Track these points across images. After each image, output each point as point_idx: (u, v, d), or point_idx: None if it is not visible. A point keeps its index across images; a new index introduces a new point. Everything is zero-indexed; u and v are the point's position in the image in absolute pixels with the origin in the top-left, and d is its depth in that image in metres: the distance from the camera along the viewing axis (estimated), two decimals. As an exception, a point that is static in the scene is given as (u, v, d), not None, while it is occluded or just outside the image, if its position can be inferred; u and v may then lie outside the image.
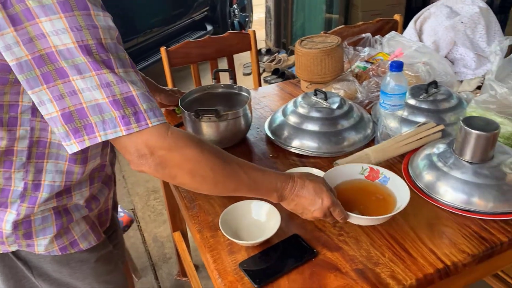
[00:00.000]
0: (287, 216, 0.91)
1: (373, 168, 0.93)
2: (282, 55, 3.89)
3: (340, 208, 0.80)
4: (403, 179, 0.97)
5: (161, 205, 2.23)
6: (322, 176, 0.86)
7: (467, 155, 0.91)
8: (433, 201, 0.91)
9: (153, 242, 2.00)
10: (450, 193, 0.89)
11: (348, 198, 0.89)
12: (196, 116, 1.08)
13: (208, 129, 1.12)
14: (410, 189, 0.91)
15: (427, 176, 0.94)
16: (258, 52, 4.18)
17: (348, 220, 0.82)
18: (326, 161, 1.10)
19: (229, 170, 0.75)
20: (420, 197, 0.93)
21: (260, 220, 0.90)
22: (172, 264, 1.86)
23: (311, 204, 0.79)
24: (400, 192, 0.87)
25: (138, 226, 2.10)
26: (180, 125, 1.28)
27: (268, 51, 4.16)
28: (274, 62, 3.81)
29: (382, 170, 0.92)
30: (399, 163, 1.06)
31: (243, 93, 1.24)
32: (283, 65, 3.77)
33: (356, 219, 0.82)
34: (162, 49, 1.59)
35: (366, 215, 0.84)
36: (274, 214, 0.88)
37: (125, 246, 1.43)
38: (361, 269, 0.78)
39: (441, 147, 0.98)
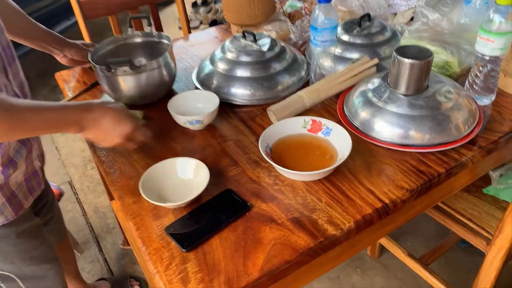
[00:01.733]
0: (219, 171, 0.84)
1: (315, 120, 0.86)
2: (219, 5, 3.69)
3: (142, 130, 0.85)
4: (340, 121, 0.92)
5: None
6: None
7: (402, 87, 0.86)
8: (370, 139, 0.86)
9: (94, 214, 1.88)
10: (386, 129, 0.85)
11: (291, 154, 0.83)
12: (108, 70, 0.95)
13: (125, 84, 1.00)
14: (347, 130, 0.86)
15: (363, 114, 0.89)
16: (194, 4, 3.95)
17: (287, 176, 0.76)
18: (260, 109, 1.02)
19: (14, 118, 0.70)
20: (357, 136, 0.88)
21: (187, 178, 0.82)
22: (116, 234, 1.76)
23: (112, 131, 0.80)
24: (342, 143, 0.81)
25: (76, 198, 1.97)
26: (96, 84, 1.15)
27: (205, 3, 3.93)
28: (211, 13, 3.61)
29: (324, 121, 0.85)
30: (334, 103, 1.00)
31: (164, 40, 1.11)
32: (221, 15, 3.58)
33: (294, 175, 0.76)
34: (72, 0, 1.40)
35: (308, 169, 0.78)
36: (202, 170, 0.80)
37: (63, 219, 1.32)
38: (297, 218, 0.72)
39: (375, 81, 0.93)
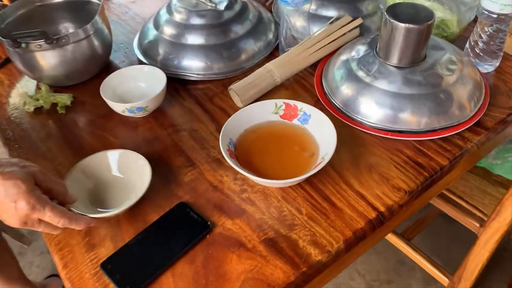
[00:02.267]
0: (170, 176, 0.66)
1: (290, 104, 0.68)
2: None
3: (53, 209, 0.51)
4: (318, 100, 0.75)
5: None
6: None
7: (394, 58, 0.69)
8: (356, 125, 0.70)
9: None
10: (376, 111, 0.68)
11: (261, 150, 0.65)
12: (16, 45, 0.72)
13: (44, 61, 0.77)
14: (328, 112, 0.69)
15: (346, 91, 0.72)
16: None
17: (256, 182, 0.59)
18: (219, 85, 0.83)
19: None
20: (339, 120, 0.71)
21: (124, 177, 0.65)
22: (68, 219, 1.58)
23: (3, 211, 0.51)
24: (324, 134, 0.64)
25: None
26: (8, 61, 0.91)
27: None
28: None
29: (300, 105, 0.67)
30: (310, 76, 0.82)
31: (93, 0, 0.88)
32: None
33: (267, 183, 0.60)
34: None
35: (283, 171, 0.62)
36: (142, 165, 0.63)
37: None
38: (273, 239, 0.57)
39: (361, 49, 0.75)
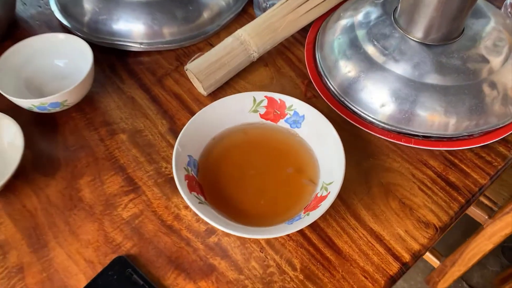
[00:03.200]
0: (102, 207, 0.46)
1: (274, 98, 0.47)
2: None
3: None
4: (311, 82, 0.54)
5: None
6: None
7: (421, 30, 0.48)
8: (364, 125, 0.51)
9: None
10: (392, 107, 0.49)
11: (234, 171, 0.45)
12: None
13: None
14: (324, 105, 0.49)
15: (349, 75, 0.51)
16: None
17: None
18: (172, 59, 0.60)
19: None
20: (341, 116, 0.51)
21: None
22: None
23: None
24: (324, 146, 0.44)
25: None
26: None
27: None
28: None
29: (289, 100, 0.47)
30: (299, 46, 0.60)
31: None
32: None
33: (244, 234, 0.40)
34: None
35: (271, 208, 0.42)
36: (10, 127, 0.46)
37: None
38: (256, 314, 0.40)
39: (371, 13, 0.53)
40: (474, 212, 0.84)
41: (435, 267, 1.05)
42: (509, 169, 0.85)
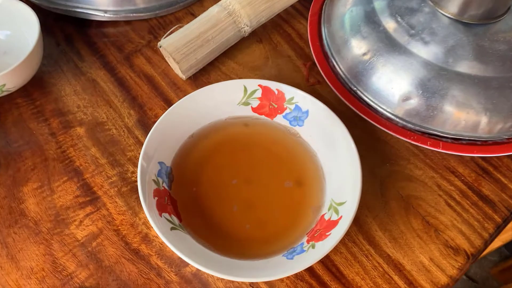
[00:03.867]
0: (49, 217, 0.36)
1: (270, 88, 0.37)
2: None
3: None
4: (314, 64, 0.44)
5: None
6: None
7: (456, 3, 0.38)
8: (381, 123, 0.41)
9: None
10: (416, 101, 0.39)
11: (217, 181, 0.36)
12: None
13: None
14: (330, 93, 0.40)
15: (364, 57, 0.41)
16: None
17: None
18: (144, 31, 0.48)
19: None
20: (350, 110, 0.42)
21: None
22: None
23: None
24: (333, 153, 0.35)
25: None
26: None
27: None
28: None
29: (291, 91, 0.37)
30: (300, 18, 0.49)
31: None
32: None
33: (232, 278, 0.30)
34: None
35: (260, 225, 0.33)
36: None
37: None
38: None
39: (394, -21, 0.43)
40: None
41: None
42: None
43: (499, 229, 0.38)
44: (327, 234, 0.31)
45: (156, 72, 0.45)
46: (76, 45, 0.47)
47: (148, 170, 0.33)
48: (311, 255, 0.30)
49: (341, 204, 0.32)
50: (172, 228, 0.31)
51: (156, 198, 0.32)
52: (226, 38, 0.44)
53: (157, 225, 0.30)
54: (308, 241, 0.32)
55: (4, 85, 0.39)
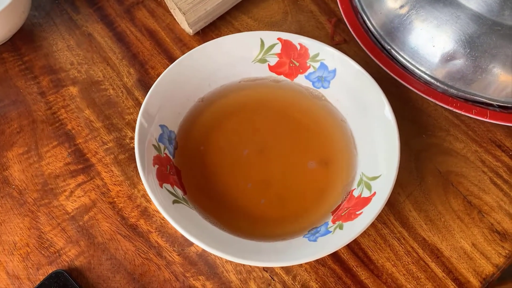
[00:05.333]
0: (35, 189, 0.32)
1: (291, 42, 0.31)
2: None
3: None
4: (342, 21, 0.39)
5: None
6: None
7: None
8: (418, 87, 0.35)
9: None
10: (461, 62, 0.34)
11: (224, 150, 0.31)
12: None
13: None
14: (359, 51, 0.34)
15: (400, 10, 0.35)
16: None
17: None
18: (148, -21, 0.43)
19: None
20: (382, 72, 0.36)
21: None
22: None
23: None
24: (364, 120, 0.30)
25: None
26: None
27: None
28: None
29: (316, 45, 0.31)
30: (325, -30, 0.43)
31: None
32: None
33: (243, 261, 0.26)
34: None
35: (278, 202, 0.29)
36: None
37: None
38: None
39: None
40: None
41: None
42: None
43: (553, 212, 0.32)
44: (357, 213, 0.26)
45: (160, 27, 0.40)
46: (70, -5, 0.41)
47: (149, 132, 0.28)
48: (338, 237, 0.25)
49: (374, 178, 0.27)
50: (174, 202, 0.26)
51: (157, 166, 0.27)
52: (240, -12, 0.38)
53: (157, 197, 0.25)
54: (334, 221, 0.27)
55: (-16, 34, 0.34)
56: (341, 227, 0.26)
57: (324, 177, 0.30)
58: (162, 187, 0.27)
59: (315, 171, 0.30)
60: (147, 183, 0.26)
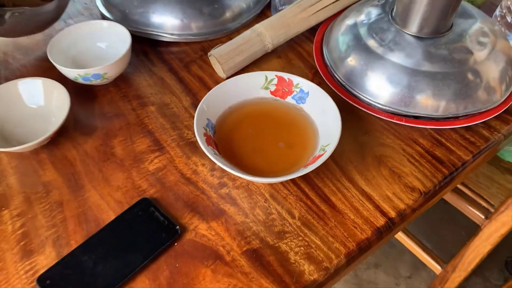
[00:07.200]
0: (132, 162, 0.53)
1: (283, 77, 0.55)
2: None
3: None
4: (317, 72, 0.62)
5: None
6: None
7: (414, 25, 0.56)
8: (362, 106, 0.58)
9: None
10: (387, 90, 0.56)
11: (246, 135, 0.53)
12: None
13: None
14: (329, 88, 0.56)
15: (352, 63, 0.59)
16: None
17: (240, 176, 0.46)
18: (197, 49, 0.68)
19: None
20: (342, 99, 0.59)
21: (41, 107, 0.57)
22: None
23: None
24: (325, 119, 0.52)
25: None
26: None
27: None
28: None
29: (296, 79, 0.54)
30: (308, 42, 0.68)
31: None
32: None
33: (253, 179, 0.47)
34: None
35: (275, 163, 0.50)
36: (59, 93, 0.56)
37: None
38: (257, 250, 0.46)
39: (372, 12, 0.61)
40: (473, 213, 0.88)
41: (437, 274, 1.08)
42: (506, 174, 0.90)
43: (445, 179, 0.52)
44: (315, 162, 0.47)
45: (205, 75, 0.64)
46: (150, 57, 0.67)
47: (201, 120, 0.50)
48: (302, 171, 0.45)
49: (327, 145, 0.48)
50: (214, 153, 0.47)
51: (205, 137, 0.49)
52: (254, 51, 0.63)
53: (206, 148, 0.47)
54: (305, 166, 0.47)
55: (106, 73, 0.58)
56: (306, 168, 0.46)
57: (303, 147, 0.51)
58: (208, 146, 0.48)
59: (295, 144, 0.51)
60: (200, 140, 0.47)
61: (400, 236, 1.14)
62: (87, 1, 0.77)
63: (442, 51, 0.55)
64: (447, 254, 1.14)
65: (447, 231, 1.29)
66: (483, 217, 0.86)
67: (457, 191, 0.91)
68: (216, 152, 0.49)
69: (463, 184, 0.91)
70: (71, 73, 0.57)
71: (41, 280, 0.43)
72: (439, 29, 0.56)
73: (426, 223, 1.32)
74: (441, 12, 0.53)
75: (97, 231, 0.47)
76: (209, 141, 0.50)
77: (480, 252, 0.91)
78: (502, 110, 0.56)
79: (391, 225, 0.48)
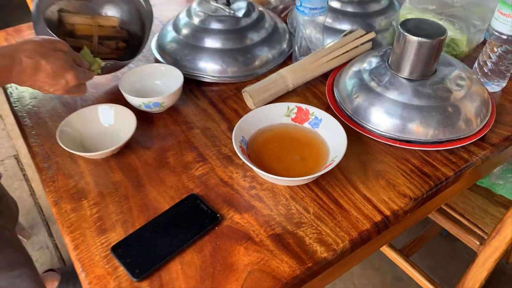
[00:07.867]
0: (182, 168, 0.68)
1: (302, 107, 0.70)
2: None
3: (85, 72, 0.69)
4: (329, 107, 0.77)
5: (53, 147, 1.88)
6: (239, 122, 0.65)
7: (406, 70, 0.72)
8: (365, 132, 0.72)
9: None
10: (385, 120, 0.71)
11: (272, 150, 0.67)
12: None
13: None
14: (338, 119, 0.71)
15: (357, 100, 0.74)
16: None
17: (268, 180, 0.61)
18: (233, 88, 0.85)
19: None
20: (350, 127, 0.73)
21: (112, 126, 0.75)
22: (69, 216, 1.59)
23: (52, 86, 0.64)
24: (334, 138, 0.66)
25: (24, 175, 1.76)
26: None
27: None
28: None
29: (312, 109, 0.70)
30: (322, 85, 0.84)
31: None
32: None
33: (277, 180, 0.61)
34: None
35: (293, 170, 0.64)
36: (128, 115, 0.73)
37: (12, 208, 1.17)
38: (280, 235, 0.58)
39: (373, 61, 0.77)
40: (470, 240, 0.98)
41: (442, 305, 1.15)
42: (498, 206, 1.02)
43: (431, 189, 0.64)
44: (326, 169, 0.60)
45: (239, 107, 0.80)
46: (195, 93, 0.84)
47: (238, 135, 0.65)
48: (315, 176, 0.59)
49: (335, 157, 0.62)
50: (247, 160, 0.62)
51: (241, 149, 0.64)
52: (278, 89, 0.79)
53: (242, 156, 0.61)
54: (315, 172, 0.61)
55: (163, 102, 0.74)
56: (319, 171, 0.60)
57: (315, 162, 0.65)
58: (242, 155, 0.62)
59: (312, 158, 0.65)
60: (238, 152, 0.61)
61: (408, 269, 1.23)
62: (144, 50, 0.96)
63: (427, 90, 0.70)
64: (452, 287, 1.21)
65: (453, 268, 1.36)
66: (478, 243, 0.96)
67: (455, 221, 1.02)
68: (249, 160, 0.63)
69: (460, 214, 1.01)
70: (137, 101, 0.74)
71: (114, 248, 0.56)
72: (425, 73, 0.71)
73: (433, 259, 1.40)
74: (425, 61, 0.69)
75: (155, 216, 0.60)
76: (243, 152, 0.64)
77: (478, 279, 0.99)
78: (478, 138, 0.70)
79: (386, 222, 0.61)
